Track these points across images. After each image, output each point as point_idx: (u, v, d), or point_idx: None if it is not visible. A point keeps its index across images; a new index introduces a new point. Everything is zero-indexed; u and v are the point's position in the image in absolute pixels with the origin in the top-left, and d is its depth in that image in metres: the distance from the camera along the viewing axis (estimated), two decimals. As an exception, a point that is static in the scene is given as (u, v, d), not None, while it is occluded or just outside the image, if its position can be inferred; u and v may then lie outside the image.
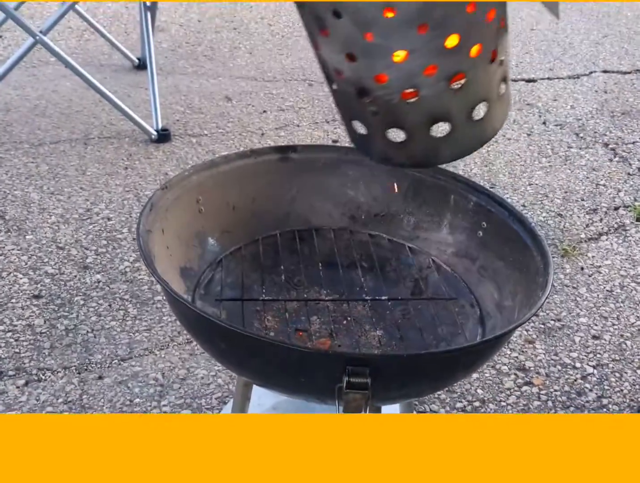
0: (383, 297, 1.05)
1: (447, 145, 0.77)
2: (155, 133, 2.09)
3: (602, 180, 2.08)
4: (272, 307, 1.05)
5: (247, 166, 1.13)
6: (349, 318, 1.04)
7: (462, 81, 0.73)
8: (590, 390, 1.35)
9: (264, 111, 2.37)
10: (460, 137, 0.77)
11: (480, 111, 0.77)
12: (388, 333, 1.02)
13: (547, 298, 0.85)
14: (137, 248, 0.89)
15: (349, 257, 1.13)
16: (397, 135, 0.79)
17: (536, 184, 2.04)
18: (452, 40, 0.70)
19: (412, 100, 0.74)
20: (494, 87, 0.77)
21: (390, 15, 0.68)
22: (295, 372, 0.78)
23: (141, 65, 2.60)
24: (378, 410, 0.91)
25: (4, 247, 1.61)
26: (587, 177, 2.09)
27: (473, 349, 0.78)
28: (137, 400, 1.26)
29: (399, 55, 0.70)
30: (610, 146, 2.26)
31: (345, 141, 2.03)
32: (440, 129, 0.77)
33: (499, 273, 1.03)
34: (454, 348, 0.78)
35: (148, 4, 2.21)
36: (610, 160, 2.19)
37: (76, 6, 2.29)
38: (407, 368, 0.77)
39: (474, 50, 0.71)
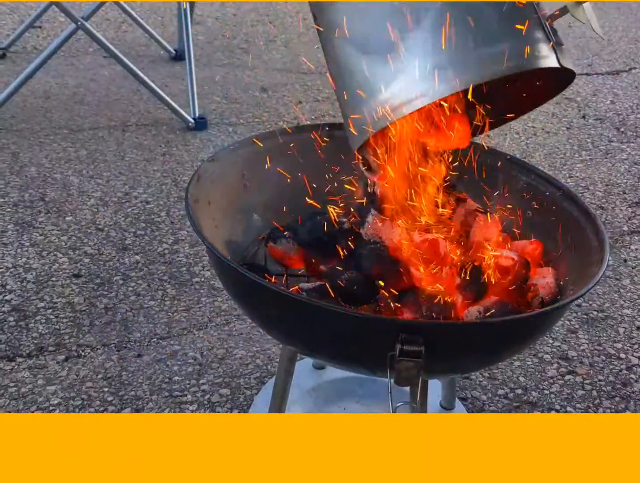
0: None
1: None
2: (192, 121, 2.09)
3: (644, 174, 2.03)
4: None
5: (292, 143, 1.13)
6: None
7: None
8: (636, 381, 1.31)
9: (300, 102, 2.36)
10: None
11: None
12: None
13: (604, 272, 0.83)
14: (186, 214, 0.89)
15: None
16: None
17: (576, 177, 2.00)
18: None
19: None
20: None
21: None
22: (346, 340, 0.76)
23: (178, 57, 2.61)
24: (425, 386, 0.89)
25: (44, 228, 1.62)
26: (629, 171, 2.04)
27: (532, 319, 0.76)
28: (176, 378, 1.25)
29: None
30: (652, 141, 2.22)
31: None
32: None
33: (550, 253, 1.00)
34: (512, 317, 0.76)
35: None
36: (653, 154, 2.14)
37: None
38: (461, 338, 0.75)
39: None
